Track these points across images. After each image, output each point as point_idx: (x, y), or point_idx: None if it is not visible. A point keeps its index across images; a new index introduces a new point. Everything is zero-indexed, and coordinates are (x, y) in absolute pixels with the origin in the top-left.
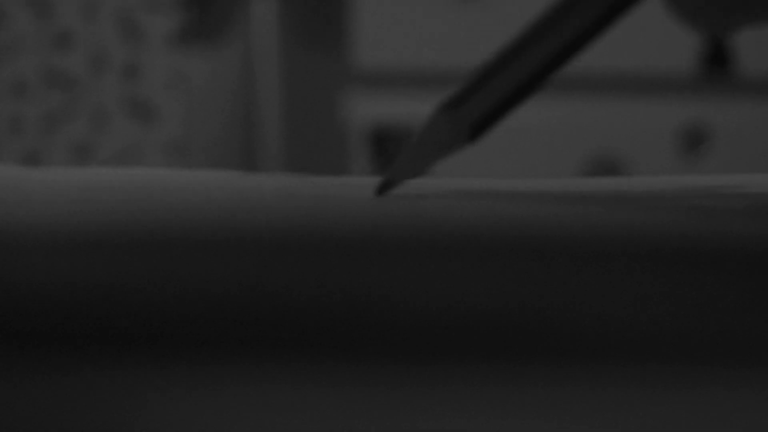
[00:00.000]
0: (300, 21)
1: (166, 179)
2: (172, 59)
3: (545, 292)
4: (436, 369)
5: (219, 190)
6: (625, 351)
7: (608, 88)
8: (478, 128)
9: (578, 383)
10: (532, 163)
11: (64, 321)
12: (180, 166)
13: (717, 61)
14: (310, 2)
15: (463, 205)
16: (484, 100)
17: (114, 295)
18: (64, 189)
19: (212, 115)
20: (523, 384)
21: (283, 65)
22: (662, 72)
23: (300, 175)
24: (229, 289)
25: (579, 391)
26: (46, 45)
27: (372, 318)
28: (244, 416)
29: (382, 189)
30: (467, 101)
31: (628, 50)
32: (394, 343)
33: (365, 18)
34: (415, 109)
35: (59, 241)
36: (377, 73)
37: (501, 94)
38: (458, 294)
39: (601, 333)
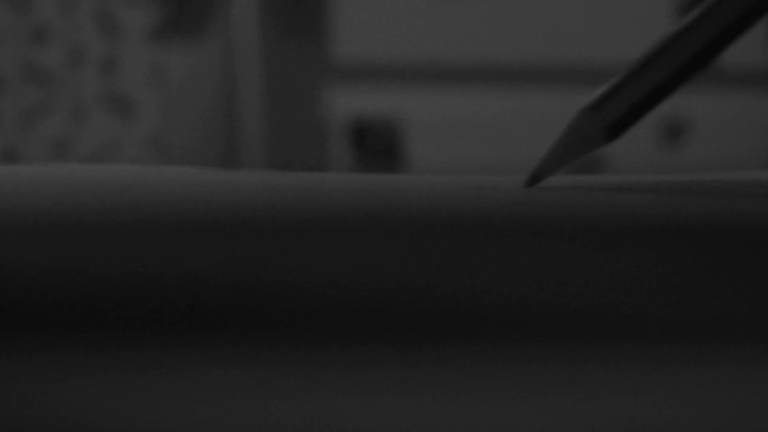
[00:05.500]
0: (280, 15)
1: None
2: (151, 54)
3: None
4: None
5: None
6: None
7: (589, 80)
8: (616, 129)
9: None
10: (515, 156)
11: (44, 316)
12: (160, 162)
13: None
14: None
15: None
16: (622, 103)
17: (95, 287)
18: (44, 184)
19: (192, 109)
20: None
21: (263, 59)
22: None
23: (285, 169)
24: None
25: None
26: (23, 39)
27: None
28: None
29: (531, 182)
30: (607, 104)
31: (608, 43)
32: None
33: (345, 11)
34: (395, 103)
35: (41, 234)
36: (358, 67)
37: (637, 98)
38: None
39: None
